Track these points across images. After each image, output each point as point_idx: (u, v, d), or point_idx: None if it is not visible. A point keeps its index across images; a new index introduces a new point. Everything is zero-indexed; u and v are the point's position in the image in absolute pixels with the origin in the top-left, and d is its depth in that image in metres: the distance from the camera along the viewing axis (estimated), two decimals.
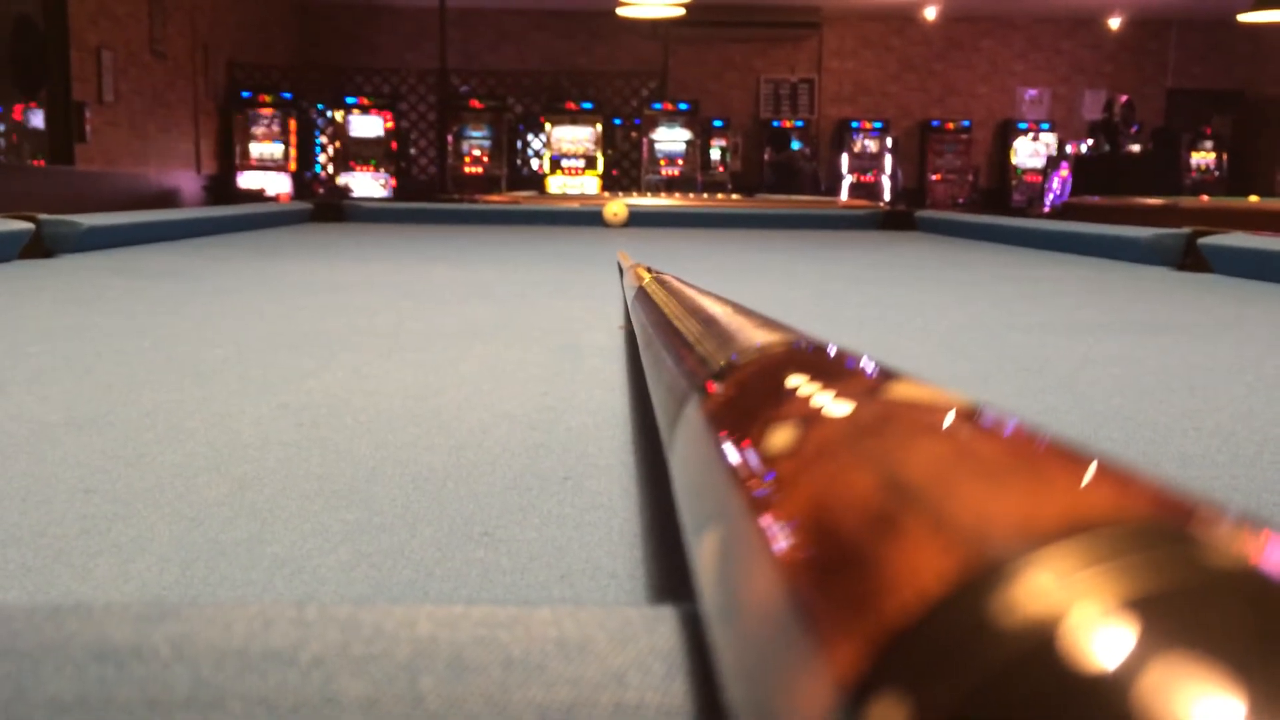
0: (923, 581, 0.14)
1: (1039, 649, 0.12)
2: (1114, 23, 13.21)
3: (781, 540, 0.17)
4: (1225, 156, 12.91)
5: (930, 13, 12.72)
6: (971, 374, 1.29)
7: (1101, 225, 3.45)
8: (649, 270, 1.31)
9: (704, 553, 0.22)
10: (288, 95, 11.39)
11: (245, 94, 11.24)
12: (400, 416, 1.01)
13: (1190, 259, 2.78)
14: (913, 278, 2.64)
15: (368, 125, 11.71)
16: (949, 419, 0.20)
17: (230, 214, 4.02)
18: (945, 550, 0.14)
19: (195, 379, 1.17)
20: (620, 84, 12.21)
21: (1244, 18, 8.49)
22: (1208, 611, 0.12)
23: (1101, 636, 0.11)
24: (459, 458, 0.86)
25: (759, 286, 2.38)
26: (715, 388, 0.31)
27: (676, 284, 0.80)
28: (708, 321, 0.47)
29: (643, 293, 0.98)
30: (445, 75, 11.40)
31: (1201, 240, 2.75)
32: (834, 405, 0.23)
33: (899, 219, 4.97)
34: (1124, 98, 11.50)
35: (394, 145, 11.78)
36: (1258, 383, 1.25)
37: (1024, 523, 0.14)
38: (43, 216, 2.71)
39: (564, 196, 8.46)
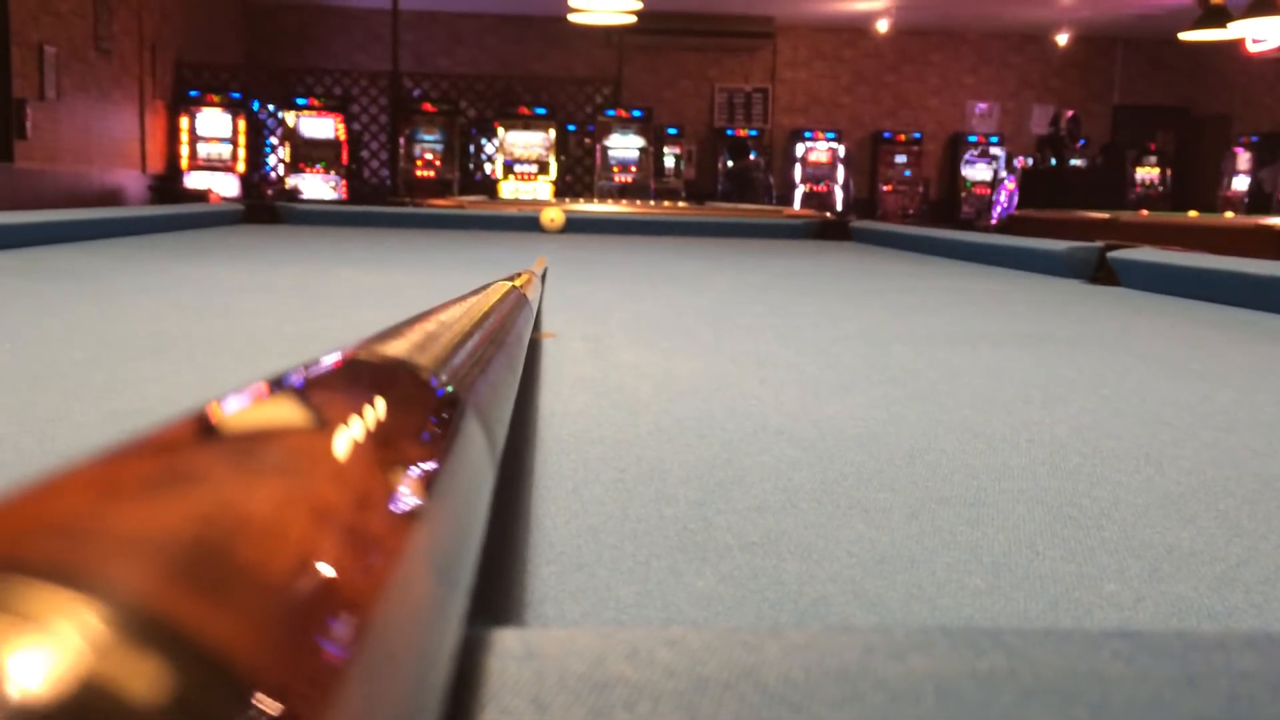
0: None
1: None
2: (1062, 39, 13.40)
3: None
4: (1169, 172, 13.14)
5: (882, 25, 12.83)
6: (834, 383, 1.29)
7: (1021, 238, 3.49)
8: (518, 277, 1.30)
9: None
10: (236, 95, 11.26)
11: (193, 93, 11.11)
12: None
13: (1102, 272, 2.82)
14: (823, 287, 2.66)
15: (318, 127, 11.60)
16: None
17: (153, 214, 3.96)
18: None
19: (35, 382, 1.14)
20: (574, 90, 12.21)
21: (1185, 36, 8.63)
22: None
23: None
24: None
25: (666, 293, 2.38)
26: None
27: (490, 292, 0.79)
28: (412, 325, 0.46)
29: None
30: (397, 78, 11.34)
31: (1111, 254, 2.78)
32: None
33: (834, 229, 5.00)
34: (1071, 112, 11.67)
35: (345, 148, 11.68)
36: (1112, 396, 1.27)
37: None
38: None
39: (509, 202, 8.43)
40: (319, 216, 5.03)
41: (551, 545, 0.69)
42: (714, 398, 1.19)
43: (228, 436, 0.20)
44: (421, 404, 0.29)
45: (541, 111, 11.91)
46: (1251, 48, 10.67)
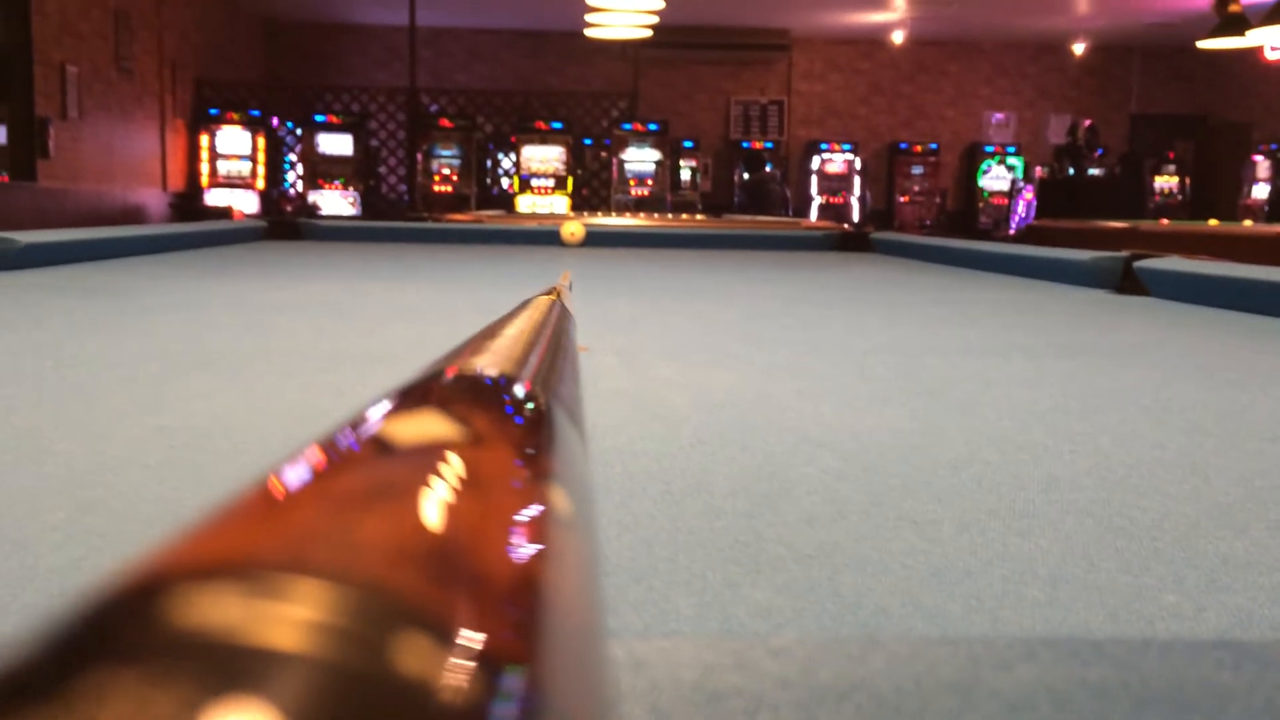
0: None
1: None
2: (1078, 48, 13.38)
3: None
4: (1188, 180, 13.08)
5: (898, 37, 12.84)
6: (871, 395, 1.29)
7: (1045, 249, 3.48)
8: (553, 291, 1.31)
9: None
10: (256, 113, 11.35)
11: (213, 111, 11.20)
12: (277, 440, 1.00)
13: (1128, 282, 2.81)
14: (850, 299, 2.66)
15: (337, 143, 11.67)
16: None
17: (178, 232, 3.99)
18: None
19: (82, 399, 1.16)
20: (590, 104, 12.25)
21: (1204, 44, 8.61)
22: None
23: None
24: None
25: (692, 307, 2.38)
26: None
27: (532, 307, 0.79)
28: (481, 340, 0.46)
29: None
30: (415, 94, 11.40)
31: (1138, 264, 2.77)
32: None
33: (856, 240, 5.00)
34: (1088, 122, 11.63)
35: (363, 164, 11.75)
36: (1152, 406, 1.26)
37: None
38: None
39: (528, 216, 8.46)
40: (340, 232, 5.06)
41: (607, 558, 0.70)
42: (752, 410, 1.20)
43: (399, 450, 0.20)
44: (531, 415, 0.29)
45: (558, 126, 11.95)
46: (1270, 55, 10.64)
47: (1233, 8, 7.88)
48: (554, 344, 0.58)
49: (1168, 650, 0.32)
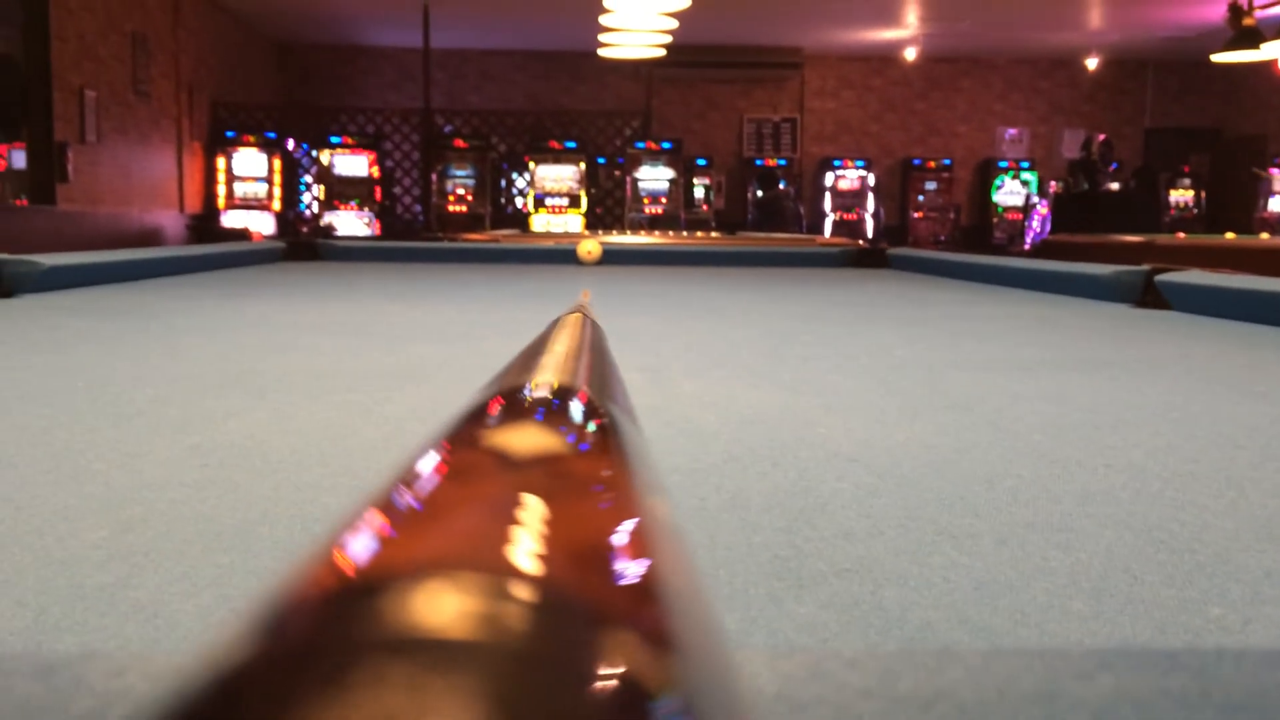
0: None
1: None
2: (1091, 63, 13.38)
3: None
4: (1203, 194, 13.04)
5: (910, 53, 12.86)
6: (899, 410, 1.29)
7: (1064, 263, 3.48)
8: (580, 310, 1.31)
9: None
10: (272, 135, 11.43)
11: (229, 134, 11.28)
12: (310, 458, 1.00)
13: (1149, 296, 2.80)
14: (869, 316, 2.66)
15: (352, 164, 11.74)
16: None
17: (199, 253, 4.02)
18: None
19: (115, 420, 1.16)
20: (603, 123, 12.30)
21: (1217, 58, 8.60)
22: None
23: None
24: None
25: (713, 325, 2.39)
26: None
27: (568, 324, 0.80)
28: (527, 360, 0.47)
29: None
30: (429, 115, 11.46)
31: (1159, 277, 2.76)
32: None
33: (872, 257, 4.99)
34: (1102, 136, 11.61)
35: (378, 185, 11.81)
36: (1182, 420, 1.26)
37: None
38: (2, 256, 2.70)
39: (544, 235, 8.49)
40: (358, 253, 5.08)
41: None
42: (781, 426, 1.20)
43: (521, 463, 0.21)
44: (608, 425, 0.30)
45: (571, 145, 12.00)
46: None
47: (1247, 21, 7.87)
48: (600, 357, 0.59)
49: (1240, 659, 0.32)
